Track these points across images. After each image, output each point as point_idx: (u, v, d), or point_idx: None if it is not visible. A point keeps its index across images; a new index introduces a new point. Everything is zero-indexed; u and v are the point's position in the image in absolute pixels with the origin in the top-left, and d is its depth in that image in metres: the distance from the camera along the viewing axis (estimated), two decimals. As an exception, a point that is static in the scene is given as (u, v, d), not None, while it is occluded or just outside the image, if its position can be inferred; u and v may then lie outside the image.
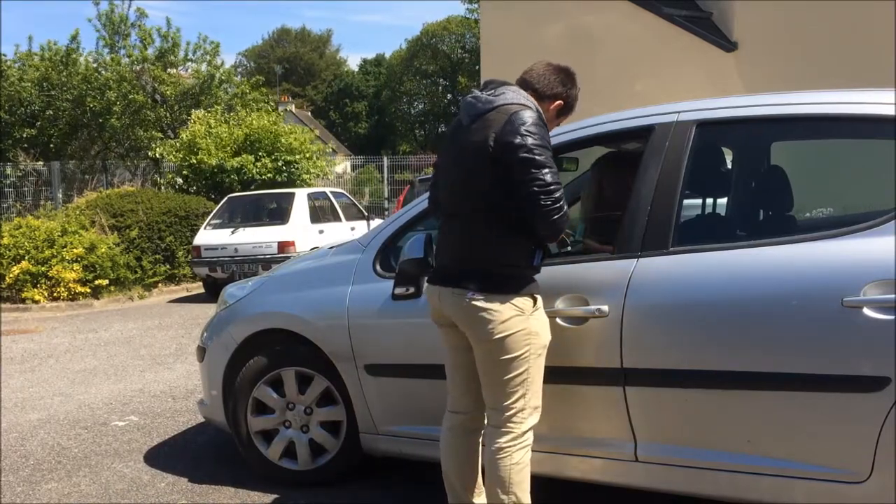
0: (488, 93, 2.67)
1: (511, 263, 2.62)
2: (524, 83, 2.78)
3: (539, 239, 2.63)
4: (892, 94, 2.62)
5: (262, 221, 11.74)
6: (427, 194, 3.05)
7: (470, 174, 2.63)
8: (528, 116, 2.56)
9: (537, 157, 2.50)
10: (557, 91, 2.79)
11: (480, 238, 2.62)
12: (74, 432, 4.81)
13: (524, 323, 2.61)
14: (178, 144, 15.64)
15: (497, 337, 2.60)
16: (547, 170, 2.51)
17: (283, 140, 15.30)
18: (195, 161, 14.75)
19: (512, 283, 2.61)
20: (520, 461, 2.66)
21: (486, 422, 2.80)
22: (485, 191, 2.59)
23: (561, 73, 2.82)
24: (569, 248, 3.02)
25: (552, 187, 2.50)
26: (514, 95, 2.65)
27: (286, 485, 3.67)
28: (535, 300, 2.66)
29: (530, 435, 2.70)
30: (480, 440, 2.88)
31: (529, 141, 2.51)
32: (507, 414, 2.66)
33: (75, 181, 17.26)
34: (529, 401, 2.67)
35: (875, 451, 2.42)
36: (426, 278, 2.87)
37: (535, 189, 2.49)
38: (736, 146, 3.59)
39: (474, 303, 2.60)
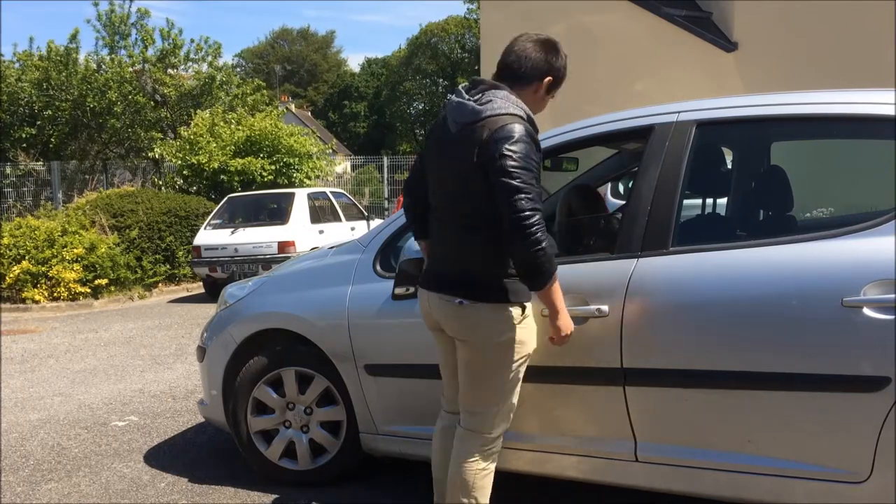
0: (475, 98, 2.54)
1: (500, 271, 2.56)
2: (507, 69, 2.62)
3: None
4: (892, 94, 2.61)
5: (262, 221, 11.72)
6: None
7: (459, 185, 2.57)
8: (515, 131, 2.43)
9: (514, 182, 2.38)
10: (542, 70, 2.63)
11: (470, 246, 2.58)
12: (74, 432, 4.81)
13: (511, 332, 2.59)
14: (178, 144, 15.60)
15: (483, 344, 2.60)
16: (523, 195, 2.38)
17: (284, 142, 15.27)
18: (195, 161, 14.71)
19: (501, 291, 2.56)
20: (486, 467, 2.68)
21: (459, 423, 2.77)
22: (473, 202, 2.53)
23: (542, 50, 2.63)
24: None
25: (527, 213, 2.37)
26: (503, 103, 2.51)
27: (286, 485, 3.66)
28: (524, 308, 2.62)
29: (500, 442, 2.72)
30: None
31: (509, 163, 2.39)
32: (481, 419, 2.67)
33: (75, 181, 17.25)
34: (504, 407, 2.68)
35: (875, 451, 2.42)
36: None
37: (513, 218, 2.38)
38: (736, 146, 3.59)
39: (462, 310, 2.59)
